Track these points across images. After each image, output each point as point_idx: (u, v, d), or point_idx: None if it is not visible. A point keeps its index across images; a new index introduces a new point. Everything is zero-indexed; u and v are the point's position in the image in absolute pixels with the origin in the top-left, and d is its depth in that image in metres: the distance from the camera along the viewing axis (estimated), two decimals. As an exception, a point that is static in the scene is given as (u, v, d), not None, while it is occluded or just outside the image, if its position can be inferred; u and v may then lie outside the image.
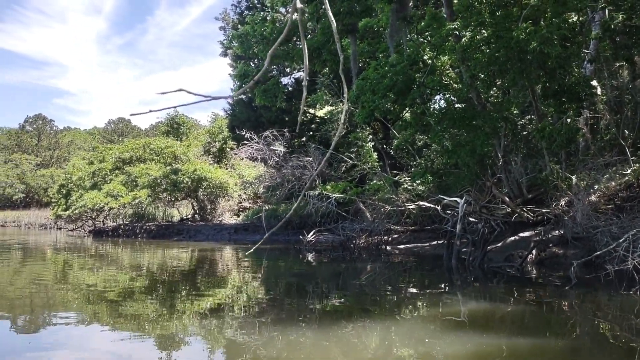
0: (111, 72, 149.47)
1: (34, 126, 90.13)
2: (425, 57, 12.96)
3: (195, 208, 28.35)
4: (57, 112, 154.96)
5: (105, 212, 27.03)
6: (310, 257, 15.02)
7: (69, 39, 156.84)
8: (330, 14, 2.52)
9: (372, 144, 18.45)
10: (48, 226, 44.98)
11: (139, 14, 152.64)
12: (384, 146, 19.75)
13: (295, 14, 2.29)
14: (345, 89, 2.72)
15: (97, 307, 6.90)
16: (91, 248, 19.62)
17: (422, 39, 15.20)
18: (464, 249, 12.05)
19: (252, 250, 12.99)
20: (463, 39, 11.64)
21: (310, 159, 19.37)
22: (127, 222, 27.63)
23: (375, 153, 18.32)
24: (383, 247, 16.22)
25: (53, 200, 31.90)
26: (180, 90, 2.17)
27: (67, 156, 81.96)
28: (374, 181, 17.34)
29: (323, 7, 16.43)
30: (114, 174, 26.81)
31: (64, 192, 28.73)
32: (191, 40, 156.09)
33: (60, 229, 37.67)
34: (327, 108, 21.24)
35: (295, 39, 17.40)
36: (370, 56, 18.55)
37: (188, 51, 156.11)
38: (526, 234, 12.74)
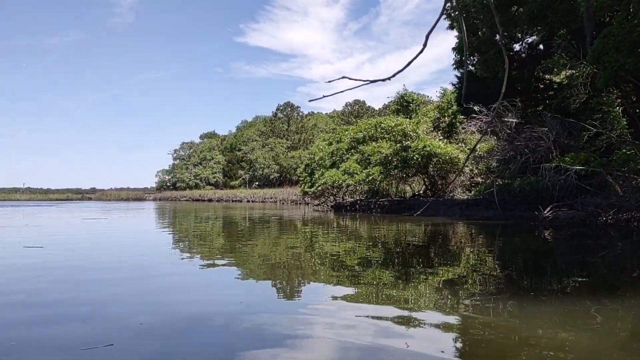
0: (347, 57, 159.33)
1: (284, 113, 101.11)
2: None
3: (427, 184, 28.68)
4: (302, 99, 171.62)
5: (343, 188, 29.14)
6: (546, 234, 14.00)
7: (311, 31, 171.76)
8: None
9: (621, 108, 16.17)
10: (297, 202, 50.45)
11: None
12: (637, 110, 17.12)
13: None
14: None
15: (340, 275, 7.40)
16: (332, 221, 21.35)
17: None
18: None
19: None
20: None
21: (546, 129, 17.90)
22: (362, 198, 29.39)
23: (625, 118, 16.04)
24: (635, 224, 14.24)
25: (300, 178, 35.61)
26: (343, 77, 2.40)
27: (311, 138, 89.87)
28: (623, 150, 15.25)
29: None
30: (349, 153, 28.74)
31: (309, 171, 31.85)
32: (421, 17, 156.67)
33: (307, 204, 41.99)
34: (565, 73, 19.23)
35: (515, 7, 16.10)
36: (611, 11, 16.16)
37: (419, 28, 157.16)
38: None
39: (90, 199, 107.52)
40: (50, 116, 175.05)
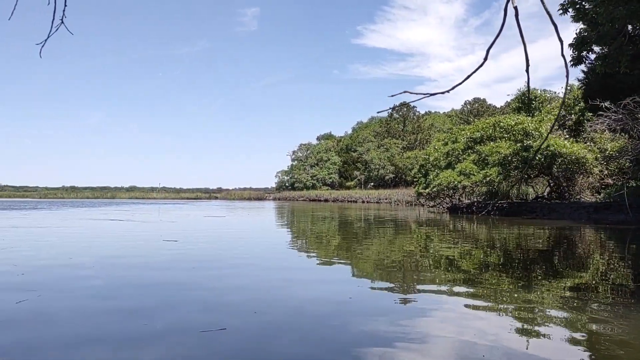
0: (468, 54, 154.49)
1: (400, 113, 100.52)
2: None
3: (551, 185, 27.20)
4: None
5: (459, 190, 28.54)
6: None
7: (430, 29, 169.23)
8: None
9: None
10: (412, 203, 50.05)
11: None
12: None
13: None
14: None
15: (455, 278, 7.36)
16: (448, 223, 21.07)
17: None
18: None
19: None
20: None
21: (688, 125, 16.28)
22: (480, 200, 28.57)
23: None
24: None
25: (415, 179, 35.39)
26: (405, 92, 2.60)
27: (428, 138, 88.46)
28: None
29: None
30: (466, 154, 28.08)
31: (423, 171, 31.58)
32: (550, 9, 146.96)
33: (422, 205, 41.55)
34: None
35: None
36: None
37: (546, 21, 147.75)
38: None
39: (216, 197, 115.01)
40: (181, 120, 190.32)
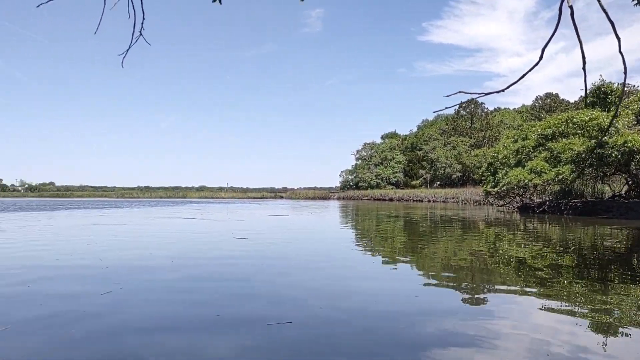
0: (538, 48, 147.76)
1: (467, 110, 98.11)
2: None
3: (629, 183, 25.77)
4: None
5: (529, 188, 27.58)
6: None
7: (498, 23, 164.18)
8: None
9: None
10: (480, 202, 48.81)
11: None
12: None
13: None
14: None
15: (526, 279, 7.14)
16: (518, 223, 20.41)
17: None
18: None
19: None
20: None
21: None
22: (552, 199, 27.50)
23: None
24: None
25: (483, 178, 34.53)
26: (460, 92, 2.59)
27: (497, 136, 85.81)
28: None
29: None
30: (537, 151, 27.09)
31: (492, 170, 30.77)
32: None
33: (491, 205, 40.43)
34: None
35: None
36: None
37: (623, 10, 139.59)
38: None
39: (282, 197, 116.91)
40: (248, 121, 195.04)
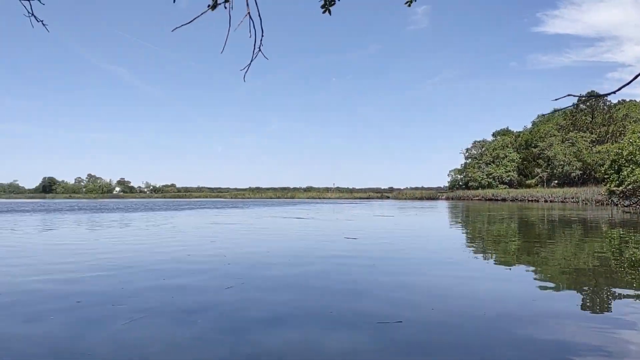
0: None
1: (587, 104, 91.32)
2: None
3: None
4: (610, 87, 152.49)
5: (661, 187, 25.24)
6: None
7: (622, 9, 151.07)
8: None
9: None
10: (603, 202, 45.28)
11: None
12: None
13: None
14: None
15: None
16: None
17: None
18: None
19: None
20: None
21: None
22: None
23: None
24: None
25: (605, 176, 32.11)
26: (569, 95, 2.52)
27: (621, 130, 79.32)
28: None
29: None
30: (669, 147, 24.73)
31: (615, 167, 28.56)
32: None
33: (615, 205, 37.40)
34: None
35: None
36: None
37: None
38: None
39: (388, 197, 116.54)
40: (353, 122, 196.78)
